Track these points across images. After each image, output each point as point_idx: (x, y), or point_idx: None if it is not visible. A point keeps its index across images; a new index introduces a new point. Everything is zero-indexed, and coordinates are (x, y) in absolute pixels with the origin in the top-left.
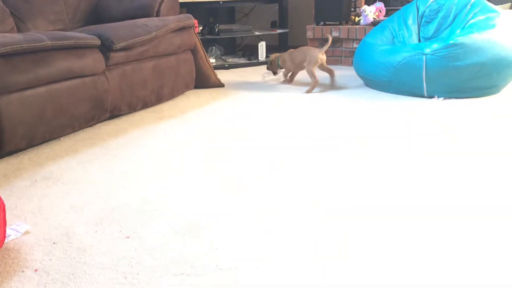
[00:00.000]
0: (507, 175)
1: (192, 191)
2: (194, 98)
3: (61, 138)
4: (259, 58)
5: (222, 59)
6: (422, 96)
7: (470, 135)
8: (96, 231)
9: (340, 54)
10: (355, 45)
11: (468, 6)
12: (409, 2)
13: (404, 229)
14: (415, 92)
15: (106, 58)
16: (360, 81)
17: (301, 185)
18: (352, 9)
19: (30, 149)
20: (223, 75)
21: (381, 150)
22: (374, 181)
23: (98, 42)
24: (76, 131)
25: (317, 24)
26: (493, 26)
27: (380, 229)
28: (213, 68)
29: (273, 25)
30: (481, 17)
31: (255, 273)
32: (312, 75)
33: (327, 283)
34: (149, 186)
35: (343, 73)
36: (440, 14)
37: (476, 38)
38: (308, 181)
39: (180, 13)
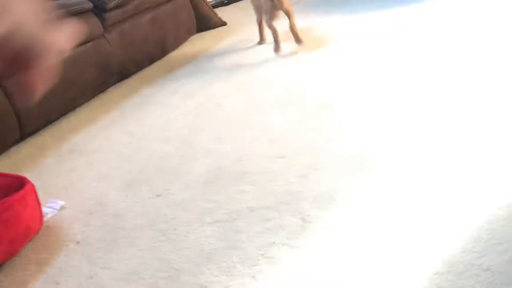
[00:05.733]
0: None
1: (214, 138)
2: (199, 43)
3: (77, 109)
4: None
5: None
6: None
7: None
8: (127, 195)
9: None
10: None
11: None
12: None
13: None
14: None
15: (102, 19)
16: None
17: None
18: None
19: (49, 126)
20: (224, 13)
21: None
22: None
23: (90, 5)
24: (90, 99)
25: None
26: None
27: None
28: (212, 8)
29: None
30: None
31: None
32: (269, 26)
33: None
34: (170, 142)
35: None
36: None
37: None
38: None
39: None
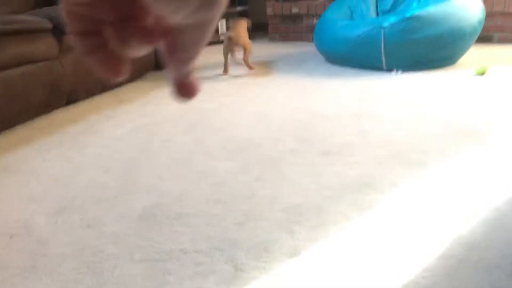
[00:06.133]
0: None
1: (155, 175)
2: (154, 80)
3: (17, 127)
4: (219, 35)
5: None
6: (382, 70)
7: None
8: (56, 222)
9: (300, 30)
10: (315, 21)
11: None
12: None
13: None
14: (374, 66)
15: (60, 41)
16: (321, 57)
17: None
18: None
19: None
20: None
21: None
22: None
23: (49, 25)
24: (32, 118)
25: (277, 1)
26: None
27: None
28: None
29: (233, 2)
30: None
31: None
32: (224, 54)
33: None
34: (109, 173)
35: (304, 49)
36: None
37: (432, 11)
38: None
39: None
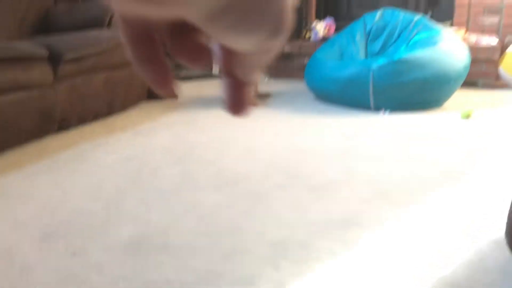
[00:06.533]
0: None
1: (143, 205)
2: (147, 111)
3: (7, 151)
4: (213, 72)
5: (177, 71)
6: (370, 110)
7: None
8: (40, 249)
9: (292, 69)
10: (306, 60)
11: (412, 24)
12: (357, 19)
13: None
14: (362, 105)
15: (55, 70)
16: (311, 95)
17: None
18: (303, 25)
19: None
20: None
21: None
22: None
23: (46, 53)
24: (23, 144)
25: None
26: (435, 43)
27: None
28: None
29: None
30: (424, 35)
31: None
32: None
33: None
34: (97, 201)
35: (295, 87)
36: (386, 31)
37: (419, 55)
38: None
39: None
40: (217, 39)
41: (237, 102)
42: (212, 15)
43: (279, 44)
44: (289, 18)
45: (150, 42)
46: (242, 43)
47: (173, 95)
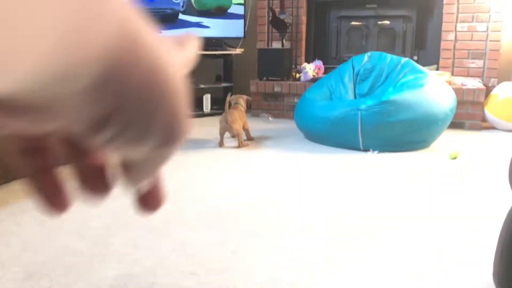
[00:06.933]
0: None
1: (130, 243)
2: None
3: None
4: (204, 110)
5: None
6: (358, 149)
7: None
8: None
9: (282, 108)
10: (296, 99)
11: (399, 67)
12: (345, 61)
13: None
14: (351, 145)
15: None
16: (301, 134)
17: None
18: (293, 66)
19: None
20: None
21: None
22: None
23: None
24: (9, 181)
25: (260, 79)
26: (422, 85)
27: None
28: None
29: (218, 78)
30: (410, 77)
31: None
32: (220, 134)
33: None
34: (83, 239)
35: (285, 126)
36: (374, 73)
37: (407, 96)
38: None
39: None
40: (104, 149)
41: (143, 199)
42: (92, 126)
43: (170, 153)
44: (185, 125)
45: (41, 153)
46: (129, 153)
47: (63, 210)
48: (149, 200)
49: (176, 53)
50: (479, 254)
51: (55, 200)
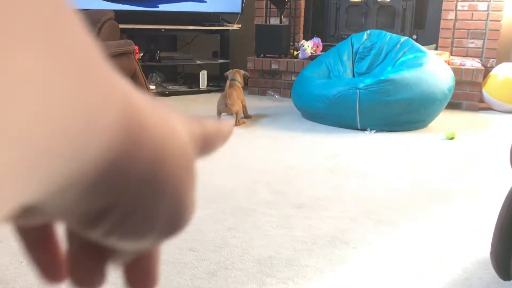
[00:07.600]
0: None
1: None
2: None
3: None
4: (200, 87)
5: (163, 86)
6: (356, 129)
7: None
8: (22, 262)
9: (279, 86)
10: (293, 77)
11: (398, 45)
12: (344, 39)
13: None
14: (349, 124)
15: None
16: (298, 112)
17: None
18: (291, 43)
19: None
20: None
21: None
22: None
23: None
24: None
25: (258, 56)
26: (421, 65)
27: None
28: (152, 95)
29: (215, 55)
30: (410, 56)
31: None
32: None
33: None
34: None
35: (282, 104)
36: (373, 52)
37: (405, 75)
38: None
39: (121, 38)
40: (99, 242)
41: (132, 274)
42: (86, 221)
43: (164, 241)
44: (190, 214)
45: (43, 230)
46: (128, 246)
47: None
48: (138, 279)
49: (188, 126)
50: (479, 254)
51: (50, 272)
